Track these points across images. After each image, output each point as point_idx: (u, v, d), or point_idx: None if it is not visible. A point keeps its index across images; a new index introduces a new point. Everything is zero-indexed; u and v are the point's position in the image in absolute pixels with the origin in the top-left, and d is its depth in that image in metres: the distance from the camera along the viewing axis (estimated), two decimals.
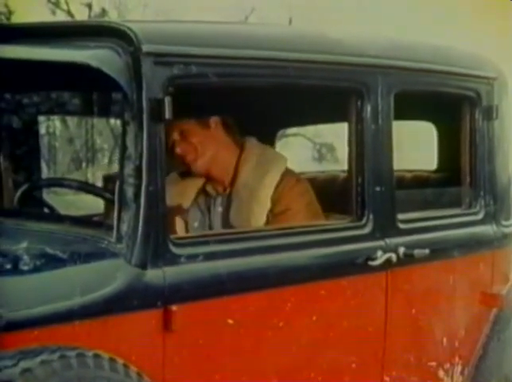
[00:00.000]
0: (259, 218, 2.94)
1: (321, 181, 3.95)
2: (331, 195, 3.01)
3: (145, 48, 2.31)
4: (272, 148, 3.16)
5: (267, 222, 2.94)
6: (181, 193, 3.04)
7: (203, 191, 3.10)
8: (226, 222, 3.00)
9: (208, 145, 3.01)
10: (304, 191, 3.04)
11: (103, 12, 12.90)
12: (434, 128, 4.21)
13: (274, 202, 2.96)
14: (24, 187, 2.87)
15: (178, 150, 2.98)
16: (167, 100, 2.34)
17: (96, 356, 2.02)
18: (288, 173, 3.04)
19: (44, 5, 12.80)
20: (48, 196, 3.38)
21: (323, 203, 3.06)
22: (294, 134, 12.21)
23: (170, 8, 11.79)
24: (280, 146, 4.57)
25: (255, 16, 12.32)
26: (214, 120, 3.04)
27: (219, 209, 3.03)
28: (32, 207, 2.98)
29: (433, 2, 12.43)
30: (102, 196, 2.62)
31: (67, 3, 12.97)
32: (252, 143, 3.12)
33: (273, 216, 2.97)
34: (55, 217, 2.68)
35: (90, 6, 13.05)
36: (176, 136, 2.99)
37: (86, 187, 2.74)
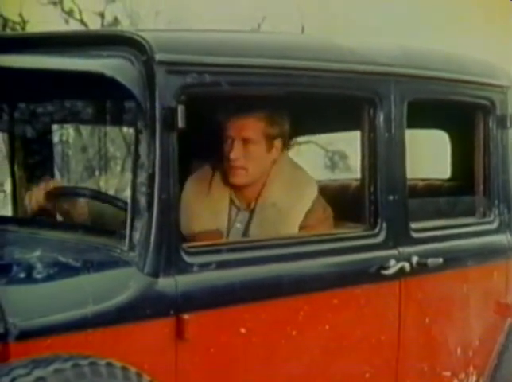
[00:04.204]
0: None
1: (333, 190, 3.93)
2: (344, 203, 3.00)
3: (158, 57, 2.32)
4: (300, 166, 3.11)
5: None
6: (214, 212, 2.95)
7: (229, 203, 3.02)
8: (246, 236, 2.93)
9: (259, 168, 2.92)
10: (328, 218, 2.98)
11: (116, 21, 12.94)
12: (447, 137, 4.19)
13: (300, 229, 2.90)
14: (37, 196, 2.86)
15: (233, 155, 2.87)
16: (180, 109, 2.34)
17: (109, 364, 2.01)
18: (318, 200, 2.97)
19: (58, 15, 12.86)
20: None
21: (335, 212, 3.05)
22: (306, 142, 12.18)
23: (182, 16, 11.83)
24: (292, 153, 4.55)
25: (267, 24, 12.34)
26: (276, 146, 2.94)
27: (238, 225, 2.96)
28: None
29: (434, 3, 12.45)
30: (115, 205, 2.62)
31: (80, 12, 13.02)
32: (283, 157, 3.02)
33: None
34: (68, 226, 2.68)
35: (102, 15, 13.08)
36: (238, 138, 2.87)
37: (98, 195, 2.74)
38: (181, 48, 2.42)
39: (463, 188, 3.56)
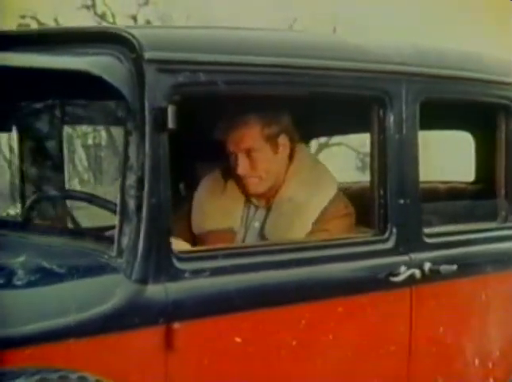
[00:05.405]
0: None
1: (352, 192, 3.81)
2: (360, 207, 2.89)
3: (147, 55, 2.23)
4: (321, 162, 3.01)
5: None
6: (228, 211, 2.89)
7: (245, 202, 2.96)
8: (262, 235, 2.87)
9: (273, 171, 2.85)
10: (347, 216, 2.89)
11: (148, 23, 12.95)
12: (472, 138, 4.06)
13: (314, 225, 2.82)
14: (30, 200, 2.80)
15: (241, 171, 2.80)
16: (171, 109, 2.25)
17: (81, 378, 1.93)
18: (337, 197, 2.88)
19: (91, 18, 12.93)
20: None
21: None
22: (338, 144, 12.17)
23: (213, 18, 11.77)
24: (323, 155, 4.43)
25: (299, 26, 12.27)
26: (283, 143, 2.86)
27: (256, 224, 2.89)
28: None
29: (434, 3, 12.32)
30: (107, 208, 2.53)
31: (113, 15, 13.08)
32: (303, 153, 2.96)
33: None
34: (56, 230, 2.60)
35: (135, 18, 13.13)
36: (240, 151, 2.79)
37: (91, 199, 2.66)
38: (173, 46, 2.33)
39: (487, 191, 3.43)
